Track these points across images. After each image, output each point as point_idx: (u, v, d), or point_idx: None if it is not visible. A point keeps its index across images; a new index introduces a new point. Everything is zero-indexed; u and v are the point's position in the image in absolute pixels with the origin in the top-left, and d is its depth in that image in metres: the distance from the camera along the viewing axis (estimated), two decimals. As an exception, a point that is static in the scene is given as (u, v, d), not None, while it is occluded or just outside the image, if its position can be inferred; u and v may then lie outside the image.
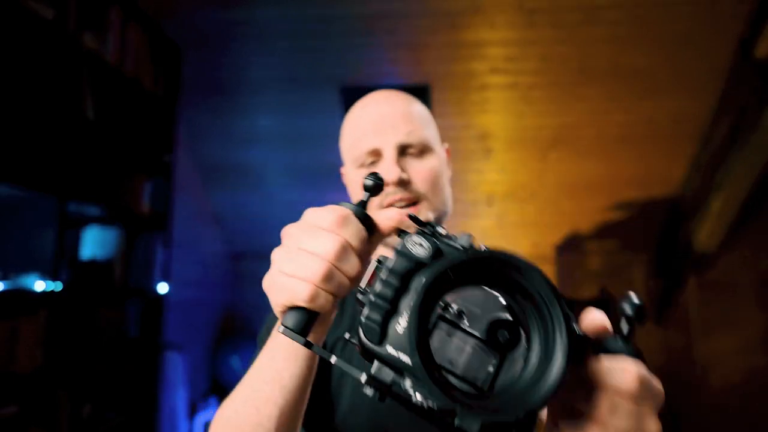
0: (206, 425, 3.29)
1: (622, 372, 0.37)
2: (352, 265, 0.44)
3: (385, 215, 0.48)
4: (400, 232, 0.44)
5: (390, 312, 0.39)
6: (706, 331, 3.57)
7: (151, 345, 2.43)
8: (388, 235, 0.47)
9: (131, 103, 2.36)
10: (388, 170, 0.75)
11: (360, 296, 0.42)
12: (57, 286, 1.84)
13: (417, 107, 0.83)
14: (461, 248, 0.42)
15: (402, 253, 0.41)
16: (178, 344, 3.11)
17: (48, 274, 1.82)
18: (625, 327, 0.41)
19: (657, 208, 3.60)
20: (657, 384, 0.39)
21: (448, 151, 0.88)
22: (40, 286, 1.81)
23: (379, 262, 0.42)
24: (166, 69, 2.55)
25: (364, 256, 0.46)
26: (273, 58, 2.96)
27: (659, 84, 2.93)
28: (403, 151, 0.78)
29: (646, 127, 3.16)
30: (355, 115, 0.84)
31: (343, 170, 0.90)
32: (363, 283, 0.43)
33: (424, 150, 0.79)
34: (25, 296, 1.78)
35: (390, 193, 0.76)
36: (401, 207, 0.76)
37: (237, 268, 4.15)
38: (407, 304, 0.39)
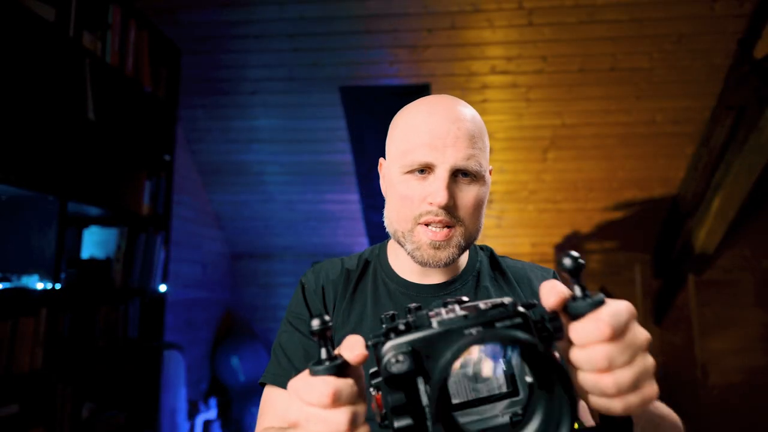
0: (206, 425, 3.30)
1: (593, 329, 0.43)
2: (360, 419, 0.46)
3: (350, 352, 0.47)
4: (374, 348, 0.47)
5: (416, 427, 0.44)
6: (706, 331, 3.57)
7: (151, 345, 2.43)
8: (361, 363, 0.48)
9: (131, 103, 2.36)
10: (438, 192, 0.75)
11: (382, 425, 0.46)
12: (57, 285, 1.84)
13: (480, 128, 0.80)
14: (437, 329, 0.45)
15: (389, 380, 0.44)
16: (178, 344, 3.12)
17: (48, 274, 1.82)
18: (576, 287, 0.46)
19: (657, 208, 3.60)
20: (622, 306, 0.45)
21: (490, 172, 0.85)
22: (40, 286, 1.81)
23: (374, 387, 0.47)
24: (166, 69, 2.56)
25: (360, 395, 0.47)
26: (273, 58, 2.96)
27: (659, 84, 2.93)
28: (456, 173, 0.77)
29: (646, 127, 3.16)
30: (417, 119, 0.79)
31: (384, 164, 0.87)
32: (377, 415, 0.47)
33: (476, 177, 0.78)
34: (25, 296, 1.78)
35: (432, 212, 0.76)
36: (436, 228, 0.76)
37: (237, 268, 4.16)
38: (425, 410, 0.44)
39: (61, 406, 1.91)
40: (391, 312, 0.50)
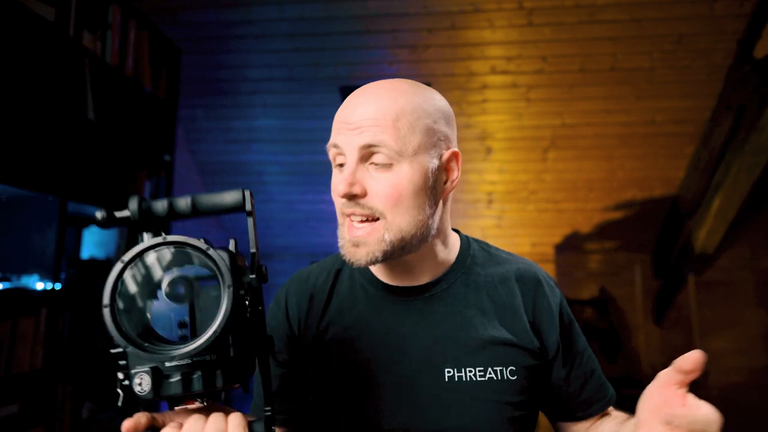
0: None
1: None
2: None
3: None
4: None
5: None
6: (706, 331, 3.57)
7: (151, 345, 2.42)
8: None
9: (131, 103, 2.36)
10: (339, 180, 0.69)
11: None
12: (57, 286, 1.84)
13: (409, 105, 0.70)
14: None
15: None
16: (178, 344, 3.11)
17: (48, 274, 1.82)
18: None
19: (657, 208, 3.60)
20: None
21: (456, 155, 0.74)
22: (40, 286, 1.82)
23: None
24: (166, 69, 2.55)
25: None
26: (273, 58, 2.96)
27: (659, 84, 2.93)
28: (366, 158, 0.69)
29: (646, 127, 3.16)
30: (340, 108, 0.75)
31: None
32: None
33: (393, 160, 0.68)
34: (25, 296, 1.78)
35: (345, 204, 0.70)
36: (359, 222, 0.70)
37: (237, 268, 4.15)
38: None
39: (61, 406, 1.91)
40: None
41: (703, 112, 3.03)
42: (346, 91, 3.06)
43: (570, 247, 3.88)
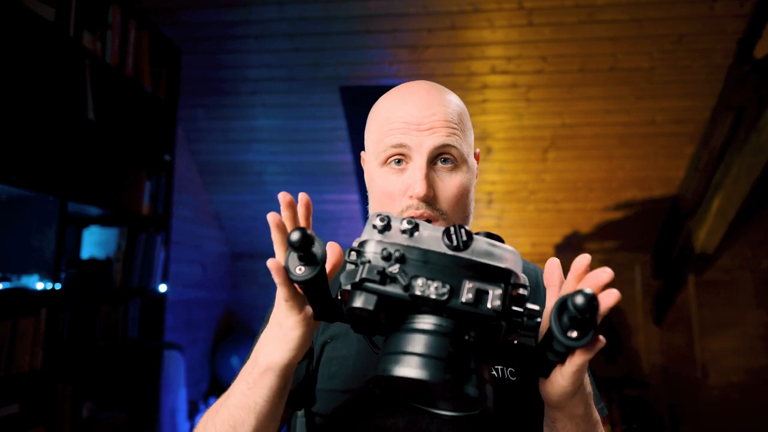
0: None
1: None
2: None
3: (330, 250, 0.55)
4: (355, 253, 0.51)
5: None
6: (706, 331, 3.57)
7: (151, 345, 2.43)
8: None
9: (131, 103, 2.36)
10: (416, 183, 0.68)
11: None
12: (57, 285, 1.84)
13: (459, 111, 0.73)
14: (407, 294, 0.47)
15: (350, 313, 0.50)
16: (178, 344, 3.12)
17: (48, 274, 1.82)
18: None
19: (657, 208, 3.60)
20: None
21: (477, 156, 0.79)
22: (40, 286, 1.81)
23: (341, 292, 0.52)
24: (166, 69, 2.55)
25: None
26: (273, 58, 2.96)
27: (659, 84, 2.93)
28: (434, 160, 0.70)
29: (646, 127, 3.16)
30: (390, 108, 0.73)
31: (365, 156, 0.81)
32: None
33: (457, 163, 0.71)
34: (25, 296, 1.78)
35: (411, 206, 0.69)
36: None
37: (237, 268, 4.15)
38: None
39: (61, 406, 1.91)
40: (386, 216, 0.51)
41: (703, 112, 3.03)
42: (346, 91, 3.06)
43: (570, 247, 3.88)
